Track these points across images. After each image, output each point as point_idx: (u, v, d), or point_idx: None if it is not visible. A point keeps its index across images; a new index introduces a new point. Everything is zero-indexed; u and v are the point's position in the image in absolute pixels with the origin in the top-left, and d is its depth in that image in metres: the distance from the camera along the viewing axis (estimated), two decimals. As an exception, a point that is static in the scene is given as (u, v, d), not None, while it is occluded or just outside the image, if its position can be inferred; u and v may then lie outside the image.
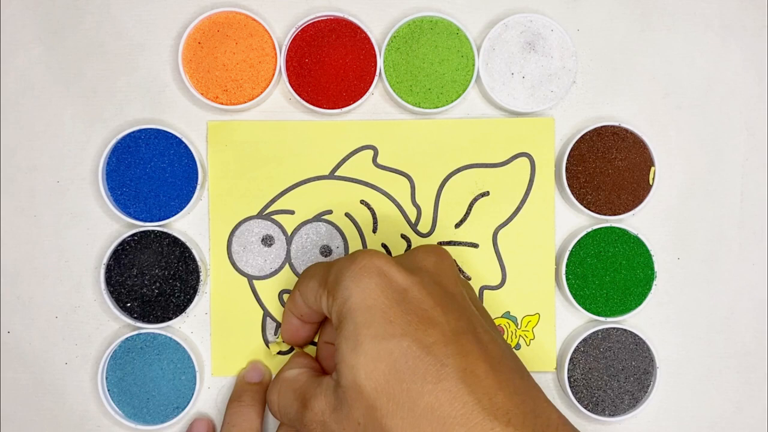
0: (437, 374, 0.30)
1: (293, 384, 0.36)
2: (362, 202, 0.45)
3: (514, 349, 0.46)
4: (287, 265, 0.45)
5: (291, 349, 0.45)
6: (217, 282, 0.45)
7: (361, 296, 0.32)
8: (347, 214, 0.45)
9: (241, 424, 0.42)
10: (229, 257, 0.45)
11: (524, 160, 0.45)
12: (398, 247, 0.45)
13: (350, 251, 0.45)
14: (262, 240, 0.45)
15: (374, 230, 0.45)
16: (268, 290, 0.45)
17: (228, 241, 0.45)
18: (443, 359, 0.30)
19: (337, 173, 0.45)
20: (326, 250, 0.45)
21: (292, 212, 0.45)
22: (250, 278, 0.45)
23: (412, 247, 0.45)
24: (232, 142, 0.45)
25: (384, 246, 0.45)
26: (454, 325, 0.32)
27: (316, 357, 0.42)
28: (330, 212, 0.45)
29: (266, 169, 0.45)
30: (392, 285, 0.32)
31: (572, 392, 0.44)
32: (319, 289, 0.35)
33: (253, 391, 0.43)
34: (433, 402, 0.30)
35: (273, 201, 0.45)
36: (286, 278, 0.45)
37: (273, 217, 0.45)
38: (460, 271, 0.45)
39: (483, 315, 0.36)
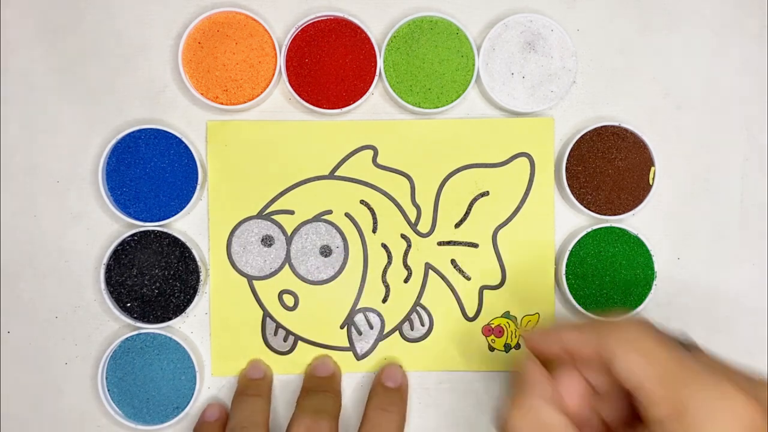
0: None
1: (548, 427, 0.31)
2: (362, 202, 0.45)
3: (515, 349, 0.46)
4: (287, 266, 0.45)
5: (291, 350, 0.45)
6: (216, 282, 0.45)
7: None
8: (347, 214, 0.45)
9: (249, 414, 0.41)
10: (228, 257, 0.45)
11: (524, 160, 0.45)
12: (399, 247, 0.45)
13: (350, 251, 0.45)
14: (262, 240, 0.45)
15: (374, 230, 0.45)
16: (268, 290, 0.45)
17: (228, 241, 0.45)
18: None
19: (336, 173, 0.45)
20: (326, 250, 0.45)
21: (291, 212, 0.45)
22: (250, 278, 0.45)
23: (411, 246, 0.45)
24: (231, 142, 0.45)
25: (384, 246, 0.45)
26: None
27: (557, 382, 0.34)
28: (330, 212, 0.45)
29: (266, 169, 0.45)
30: None
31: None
32: (657, 387, 0.30)
33: (256, 384, 0.43)
34: None
35: (273, 201, 0.45)
36: (285, 278, 0.45)
37: (273, 217, 0.45)
38: (460, 271, 0.45)
39: None
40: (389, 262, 0.45)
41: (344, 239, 0.45)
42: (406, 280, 0.45)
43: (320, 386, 0.43)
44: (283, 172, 0.45)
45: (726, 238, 0.47)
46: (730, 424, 0.28)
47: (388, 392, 0.43)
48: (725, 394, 0.29)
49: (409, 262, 0.45)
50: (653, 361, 0.30)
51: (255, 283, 0.45)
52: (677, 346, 0.31)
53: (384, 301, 0.45)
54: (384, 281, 0.45)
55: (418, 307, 0.45)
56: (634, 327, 0.31)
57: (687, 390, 0.29)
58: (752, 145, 0.47)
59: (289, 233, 0.45)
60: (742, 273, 0.47)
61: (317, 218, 0.45)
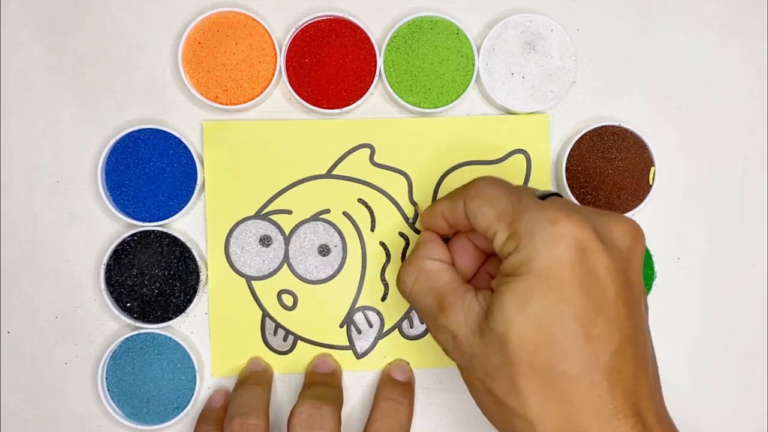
0: (587, 365, 0.30)
1: (433, 279, 0.36)
2: (360, 200, 0.45)
3: None
4: (285, 265, 0.45)
5: (290, 349, 0.45)
6: (215, 283, 0.45)
7: (549, 264, 0.31)
8: (345, 213, 0.45)
9: (248, 400, 0.41)
10: (227, 258, 0.45)
11: (520, 157, 0.45)
12: (397, 246, 0.45)
13: (348, 250, 0.45)
14: (260, 240, 0.45)
15: (372, 228, 0.45)
16: (267, 291, 0.45)
17: (226, 242, 0.45)
18: (599, 354, 0.31)
19: (334, 172, 0.45)
20: (324, 250, 0.45)
21: (289, 212, 0.45)
22: (249, 279, 0.45)
23: (410, 246, 0.45)
24: (227, 142, 0.45)
25: (382, 244, 0.45)
26: (623, 323, 0.31)
27: (449, 247, 0.39)
28: (328, 211, 0.45)
29: (263, 169, 0.45)
30: (584, 264, 0.31)
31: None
32: (496, 223, 0.34)
33: (257, 374, 0.44)
34: (571, 386, 0.30)
35: (270, 201, 0.45)
36: (284, 278, 0.45)
37: (270, 217, 0.45)
38: None
39: (646, 308, 0.35)
40: (388, 261, 0.45)
41: (342, 238, 0.45)
42: None
43: (322, 382, 0.43)
44: (280, 172, 0.45)
45: (726, 238, 0.47)
46: (556, 242, 0.31)
47: (398, 385, 0.44)
48: (553, 219, 0.31)
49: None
50: (493, 202, 0.34)
51: (254, 283, 0.45)
52: (521, 191, 0.34)
53: (383, 299, 0.45)
54: (383, 279, 0.45)
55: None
56: (482, 180, 0.36)
57: (519, 221, 0.32)
58: (752, 145, 0.47)
59: (287, 233, 0.45)
60: (742, 273, 0.47)
61: (315, 217, 0.45)
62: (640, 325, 0.33)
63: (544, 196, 0.35)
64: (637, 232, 0.34)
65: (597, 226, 0.32)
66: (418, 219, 0.46)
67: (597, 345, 0.31)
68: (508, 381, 0.31)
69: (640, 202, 0.45)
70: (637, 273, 0.34)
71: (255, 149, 0.45)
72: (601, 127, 0.45)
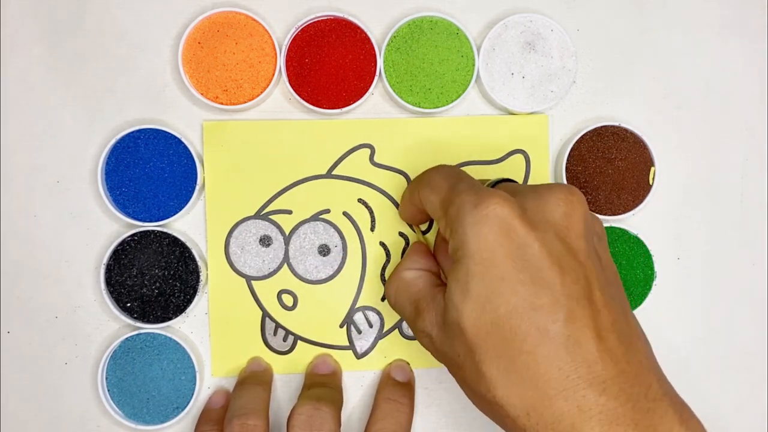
0: (539, 337, 0.30)
1: (409, 288, 0.37)
2: (360, 200, 0.45)
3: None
4: (285, 265, 0.45)
5: (290, 349, 0.45)
6: (215, 283, 0.45)
7: (476, 246, 0.31)
8: (345, 213, 0.45)
9: (248, 401, 0.41)
10: (227, 258, 0.45)
11: (519, 157, 0.45)
12: (397, 246, 0.45)
13: (348, 250, 0.45)
14: (260, 240, 0.45)
15: (372, 228, 0.45)
16: (267, 291, 0.45)
17: (226, 242, 0.45)
18: (548, 324, 0.30)
19: (334, 172, 0.45)
20: (324, 250, 0.45)
21: (289, 212, 0.45)
22: (249, 279, 0.45)
23: (410, 244, 0.45)
24: (227, 142, 0.45)
25: (382, 244, 0.45)
26: (569, 288, 0.31)
27: (434, 251, 0.40)
28: (328, 211, 0.45)
29: (262, 169, 0.45)
30: (511, 239, 0.31)
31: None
32: (438, 210, 0.35)
33: (257, 374, 0.44)
34: (530, 362, 0.30)
35: (270, 201, 0.45)
36: (284, 278, 0.45)
37: (270, 217, 0.45)
38: None
39: (606, 268, 0.35)
40: (387, 260, 0.45)
41: (342, 238, 0.45)
42: None
43: (321, 383, 0.43)
44: (279, 172, 0.45)
45: (726, 238, 0.47)
46: (480, 223, 0.31)
47: (398, 385, 0.44)
48: (476, 201, 0.32)
49: None
50: (436, 190, 0.35)
51: (254, 283, 0.45)
52: (461, 178, 0.35)
53: (383, 299, 0.45)
54: (383, 279, 0.45)
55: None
56: (431, 169, 0.37)
57: (451, 206, 0.33)
58: (752, 145, 0.47)
59: (287, 233, 0.45)
60: (742, 273, 0.47)
61: (315, 217, 0.45)
62: (593, 288, 0.32)
63: (494, 184, 0.36)
64: (571, 197, 0.33)
65: (528, 202, 0.33)
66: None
67: (544, 316, 0.30)
68: (474, 369, 0.32)
69: (640, 202, 0.45)
70: (579, 236, 0.33)
71: (255, 149, 0.45)
72: (601, 127, 0.45)
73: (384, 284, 0.45)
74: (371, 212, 0.45)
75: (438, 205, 0.35)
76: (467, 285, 0.31)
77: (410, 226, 0.46)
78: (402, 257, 0.40)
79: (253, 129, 0.45)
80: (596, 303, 0.32)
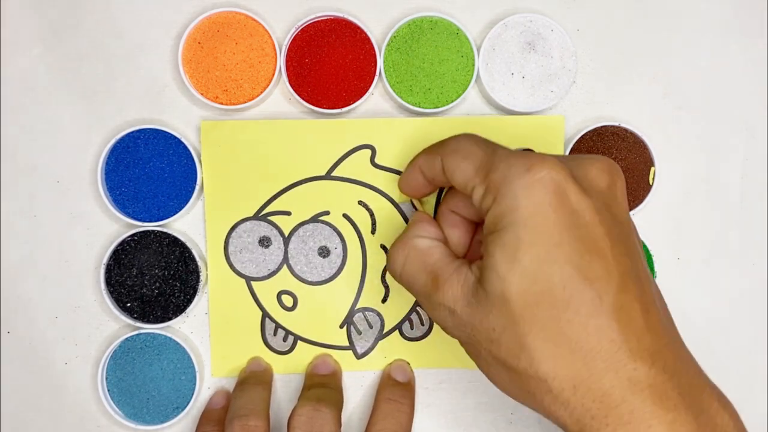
0: (592, 308, 0.29)
1: (425, 257, 0.35)
2: (360, 202, 0.45)
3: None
4: (285, 266, 0.45)
5: (290, 350, 0.45)
6: (215, 284, 0.45)
7: (531, 210, 0.30)
8: (345, 215, 0.45)
9: (249, 401, 0.41)
10: (226, 259, 0.45)
11: None
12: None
13: (349, 252, 0.45)
14: (260, 241, 0.45)
15: (373, 231, 0.45)
16: (267, 291, 0.45)
17: (225, 242, 0.45)
18: (602, 295, 0.29)
19: (333, 173, 0.45)
20: (324, 251, 0.45)
21: (288, 213, 0.45)
22: (248, 279, 0.45)
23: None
24: (225, 142, 0.44)
25: (383, 247, 0.45)
26: (619, 260, 0.30)
27: (437, 221, 0.38)
28: (327, 213, 0.45)
29: (261, 170, 0.45)
30: (566, 206, 0.30)
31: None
32: (474, 177, 0.33)
33: (257, 374, 0.44)
34: (580, 333, 0.29)
35: (269, 202, 0.45)
36: (284, 279, 0.45)
37: (269, 218, 0.45)
38: None
39: (641, 247, 0.34)
40: None
41: (342, 240, 0.45)
42: None
43: (321, 383, 0.43)
44: (278, 173, 0.45)
45: (726, 238, 0.47)
46: (533, 186, 0.30)
47: (399, 386, 0.44)
48: (527, 164, 0.31)
49: None
50: (470, 157, 0.33)
51: (253, 284, 0.45)
52: (496, 145, 0.34)
53: (383, 301, 0.45)
54: (384, 282, 0.45)
55: (418, 307, 0.45)
56: (459, 136, 0.35)
57: (494, 171, 0.31)
58: (752, 145, 0.47)
59: (286, 234, 0.45)
60: (742, 273, 0.47)
61: (314, 219, 0.45)
62: (638, 262, 0.32)
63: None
64: (613, 168, 0.33)
65: (572, 169, 0.32)
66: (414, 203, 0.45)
67: (598, 286, 0.29)
68: (515, 343, 0.30)
69: (640, 202, 0.45)
70: (623, 209, 0.33)
71: (253, 149, 0.45)
72: (601, 127, 0.45)
73: (384, 285, 0.45)
74: (372, 214, 0.45)
75: (472, 171, 0.33)
76: (516, 252, 0.30)
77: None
78: (406, 227, 0.37)
79: (252, 129, 0.45)
80: (641, 277, 0.31)
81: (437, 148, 0.36)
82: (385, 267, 0.45)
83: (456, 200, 0.37)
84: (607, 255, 0.30)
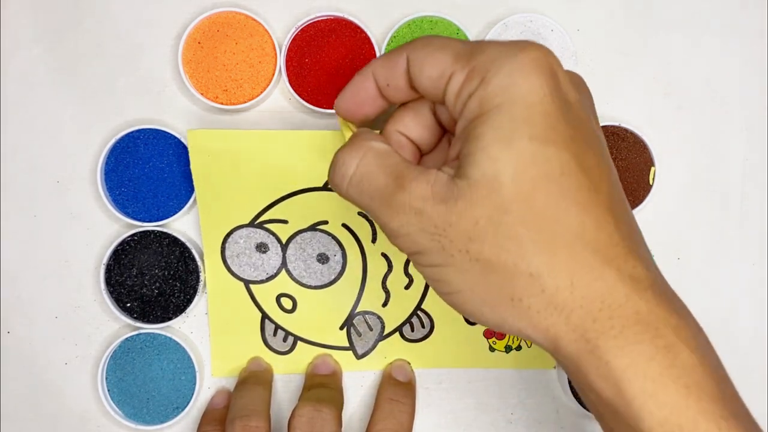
0: (589, 198, 0.27)
1: (384, 158, 0.30)
2: (360, 213, 0.44)
3: (516, 350, 0.46)
4: (284, 270, 0.44)
5: (290, 350, 0.45)
6: (213, 286, 0.44)
7: (527, 89, 0.27)
8: (344, 225, 0.44)
9: (249, 401, 0.41)
10: (223, 262, 0.44)
11: None
12: (400, 256, 0.45)
13: (348, 258, 0.44)
14: (257, 247, 0.44)
15: (373, 240, 0.45)
16: (266, 294, 0.45)
17: (221, 247, 0.44)
18: (598, 184, 0.27)
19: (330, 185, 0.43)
20: (323, 258, 0.45)
21: (285, 222, 0.44)
22: (247, 282, 0.45)
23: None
24: (213, 151, 0.42)
25: (384, 255, 0.45)
26: (605, 152, 0.29)
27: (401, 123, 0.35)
28: (326, 222, 0.44)
29: (253, 180, 0.43)
30: (560, 91, 0.28)
31: (573, 392, 0.44)
32: (452, 64, 0.29)
33: (257, 374, 0.44)
34: (576, 225, 0.27)
35: (264, 211, 0.44)
36: (283, 282, 0.44)
37: (266, 226, 0.44)
38: None
39: None
40: (389, 270, 0.45)
41: (342, 248, 0.44)
42: (407, 287, 0.45)
43: (322, 383, 0.43)
44: (271, 183, 0.43)
45: (726, 238, 0.47)
46: (531, 66, 0.27)
47: (400, 385, 0.44)
48: (523, 46, 0.28)
49: (410, 271, 0.45)
50: (446, 48, 0.30)
51: (252, 287, 0.45)
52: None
53: (384, 305, 0.45)
54: (384, 287, 0.45)
55: (419, 311, 0.45)
56: (427, 35, 0.32)
57: (481, 54, 0.28)
58: (752, 145, 0.47)
59: (284, 241, 0.44)
60: (742, 273, 0.47)
61: (313, 228, 0.44)
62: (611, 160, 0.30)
63: None
64: (585, 86, 0.32)
65: None
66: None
67: (594, 177, 0.27)
68: (503, 235, 0.27)
69: (640, 202, 0.45)
70: (597, 124, 0.31)
71: (246, 159, 0.42)
72: (601, 127, 0.45)
73: (384, 291, 0.45)
74: (372, 224, 0.44)
75: (450, 59, 0.29)
76: (513, 132, 0.27)
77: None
78: (349, 139, 0.33)
79: (238, 138, 0.42)
80: (616, 177, 0.30)
81: (400, 48, 0.32)
82: (386, 273, 0.45)
83: (407, 118, 0.34)
84: (598, 145, 0.29)
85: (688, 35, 0.47)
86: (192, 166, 0.43)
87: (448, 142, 0.35)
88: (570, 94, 0.29)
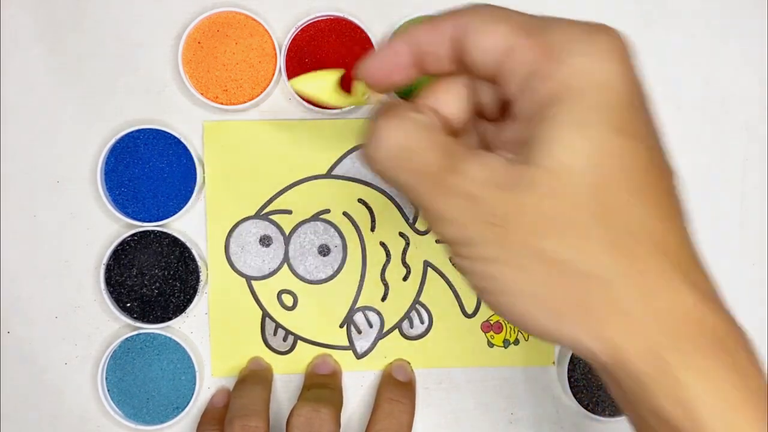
0: (666, 201, 0.25)
1: (432, 133, 0.27)
2: (360, 200, 0.45)
3: (513, 345, 0.46)
4: (285, 265, 0.45)
5: (290, 349, 0.45)
6: (215, 283, 0.45)
7: (608, 76, 0.25)
8: (345, 213, 0.45)
9: (249, 401, 0.41)
10: (227, 258, 0.45)
11: None
12: (397, 246, 0.45)
13: (348, 250, 0.45)
14: (260, 240, 0.45)
15: (372, 229, 0.45)
16: (267, 290, 0.45)
17: (226, 242, 0.45)
18: (670, 184, 0.26)
19: (334, 172, 0.45)
20: (324, 249, 0.45)
21: (289, 212, 0.45)
22: (249, 279, 0.45)
23: (410, 244, 0.45)
24: (227, 142, 0.45)
25: (382, 244, 0.45)
26: (668, 161, 0.27)
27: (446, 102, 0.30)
28: (328, 211, 0.45)
29: (262, 169, 0.45)
30: (634, 79, 0.26)
31: (573, 392, 0.44)
32: (513, 38, 0.26)
33: (257, 374, 0.44)
34: (654, 229, 0.24)
35: (270, 201, 0.45)
36: (284, 278, 0.45)
37: (270, 217, 0.45)
38: None
39: None
40: (388, 261, 0.45)
41: (342, 238, 0.45)
42: (405, 278, 0.45)
43: (321, 383, 0.43)
44: (279, 172, 0.45)
45: (726, 238, 0.47)
46: (610, 51, 0.26)
47: (400, 385, 0.44)
48: (598, 28, 0.26)
49: (407, 261, 0.45)
50: (504, 18, 0.26)
51: (254, 283, 0.45)
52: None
53: (383, 299, 0.45)
54: (383, 279, 0.45)
55: (417, 305, 0.45)
56: (480, 4, 0.27)
57: (549, 31, 0.26)
58: (752, 145, 0.47)
59: (287, 233, 0.45)
60: (742, 273, 0.47)
61: (315, 218, 0.45)
62: None
63: None
64: None
65: None
66: (417, 219, 0.45)
67: (666, 176, 0.26)
68: (574, 232, 0.24)
69: (640, 202, 0.45)
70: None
71: (255, 149, 0.45)
72: (601, 127, 0.45)
73: (383, 283, 0.45)
74: (371, 212, 0.45)
75: (509, 32, 0.26)
76: (591, 120, 0.24)
77: (410, 225, 0.45)
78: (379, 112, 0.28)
79: (253, 129, 0.45)
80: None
81: (448, 14, 0.27)
82: (384, 264, 0.45)
83: (442, 93, 0.29)
84: (662, 151, 0.26)
85: (688, 35, 0.47)
86: (205, 159, 0.44)
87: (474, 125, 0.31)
88: (640, 86, 0.26)
